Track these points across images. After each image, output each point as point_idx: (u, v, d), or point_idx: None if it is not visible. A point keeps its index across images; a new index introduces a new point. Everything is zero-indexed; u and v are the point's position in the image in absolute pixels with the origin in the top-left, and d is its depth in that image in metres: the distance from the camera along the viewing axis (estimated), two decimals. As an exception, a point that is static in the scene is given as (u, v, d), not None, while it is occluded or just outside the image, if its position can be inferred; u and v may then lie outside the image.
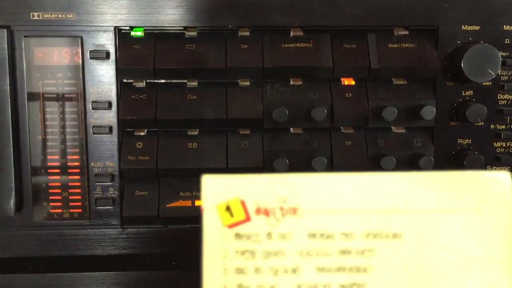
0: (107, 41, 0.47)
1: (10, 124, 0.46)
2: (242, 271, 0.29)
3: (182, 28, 0.48)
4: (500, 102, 0.50)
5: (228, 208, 0.28)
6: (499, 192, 0.28)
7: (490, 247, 0.28)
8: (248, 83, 0.48)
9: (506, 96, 0.50)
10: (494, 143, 0.50)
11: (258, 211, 0.29)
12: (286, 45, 0.48)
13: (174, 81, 0.48)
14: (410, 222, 0.29)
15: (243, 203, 0.29)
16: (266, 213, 0.29)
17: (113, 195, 0.49)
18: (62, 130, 0.48)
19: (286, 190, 0.29)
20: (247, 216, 0.29)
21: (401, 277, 0.28)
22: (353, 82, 0.49)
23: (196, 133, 0.49)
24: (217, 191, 0.29)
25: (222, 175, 0.29)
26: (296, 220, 0.29)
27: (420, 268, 0.28)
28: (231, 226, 0.29)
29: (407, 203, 0.29)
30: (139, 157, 0.48)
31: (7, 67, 0.46)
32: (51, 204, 0.48)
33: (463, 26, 0.49)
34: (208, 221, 0.28)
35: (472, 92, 0.49)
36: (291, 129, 0.49)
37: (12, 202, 0.47)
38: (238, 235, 0.29)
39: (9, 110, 0.46)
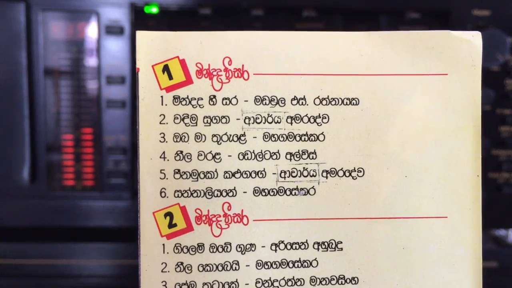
0: (122, 17, 0.48)
1: (27, 97, 0.47)
2: (181, 138, 0.26)
3: (197, 5, 0.48)
4: (507, 88, 0.50)
5: (166, 69, 0.26)
6: (468, 53, 0.27)
7: (452, 114, 0.26)
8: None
9: (513, 81, 0.50)
10: (500, 127, 0.51)
11: (200, 72, 0.26)
12: (298, 25, 0.49)
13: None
14: (368, 86, 0.26)
15: (183, 64, 0.26)
16: (209, 74, 0.26)
17: (125, 168, 0.50)
18: (76, 103, 0.49)
19: (232, 49, 0.26)
20: (188, 78, 0.26)
21: (354, 145, 0.26)
22: (363, 64, 0.50)
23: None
24: (153, 49, 0.25)
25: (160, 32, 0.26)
26: (242, 83, 0.26)
27: (375, 136, 0.26)
28: (169, 89, 0.26)
29: (366, 65, 0.26)
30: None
31: (24, 40, 0.46)
32: (64, 176, 0.50)
33: (474, 10, 0.49)
34: (144, 83, 0.26)
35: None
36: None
37: (26, 172, 0.48)
38: (177, 99, 0.26)
39: (26, 83, 0.47)
